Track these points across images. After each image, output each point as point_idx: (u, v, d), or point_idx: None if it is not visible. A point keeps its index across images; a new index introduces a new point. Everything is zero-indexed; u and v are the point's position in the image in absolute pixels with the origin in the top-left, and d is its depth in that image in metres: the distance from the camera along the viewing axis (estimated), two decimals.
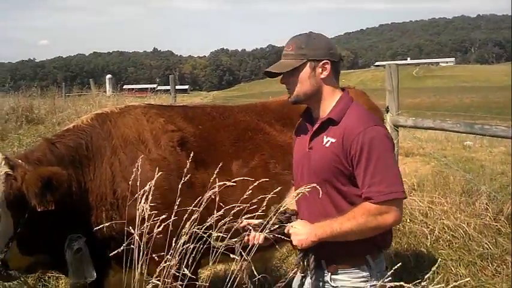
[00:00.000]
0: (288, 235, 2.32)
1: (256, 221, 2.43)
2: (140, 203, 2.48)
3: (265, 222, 2.36)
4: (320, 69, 2.36)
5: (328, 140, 2.35)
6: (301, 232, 2.28)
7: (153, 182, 2.51)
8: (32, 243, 2.78)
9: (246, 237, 2.38)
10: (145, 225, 2.45)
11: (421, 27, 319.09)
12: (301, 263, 2.36)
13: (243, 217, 2.46)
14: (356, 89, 4.21)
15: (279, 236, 2.36)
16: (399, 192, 2.23)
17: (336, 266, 2.38)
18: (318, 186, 2.29)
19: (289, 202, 2.48)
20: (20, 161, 2.76)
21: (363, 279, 2.35)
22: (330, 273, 2.39)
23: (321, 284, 2.42)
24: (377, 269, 2.37)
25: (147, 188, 2.49)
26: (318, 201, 2.37)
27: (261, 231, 2.36)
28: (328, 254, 2.36)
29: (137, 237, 2.44)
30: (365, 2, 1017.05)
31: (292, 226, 2.32)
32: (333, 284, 2.39)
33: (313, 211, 2.40)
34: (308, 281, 2.46)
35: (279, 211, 2.37)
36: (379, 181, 2.22)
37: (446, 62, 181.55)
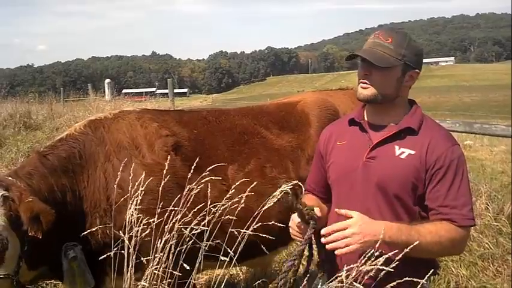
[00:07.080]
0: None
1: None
2: (130, 208, 2.47)
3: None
4: (408, 77, 2.18)
5: (404, 151, 2.12)
6: (366, 229, 1.92)
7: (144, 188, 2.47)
8: (37, 257, 2.78)
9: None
10: (136, 229, 2.43)
11: (420, 26, 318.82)
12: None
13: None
14: (355, 90, 4.13)
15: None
16: (474, 220, 2.10)
17: None
18: (381, 203, 2.10)
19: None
20: (10, 178, 2.71)
21: None
22: None
23: None
24: None
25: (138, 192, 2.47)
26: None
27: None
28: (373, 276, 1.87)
29: (127, 242, 2.42)
30: (364, 3, 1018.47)
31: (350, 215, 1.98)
32: None
33: None
34: None
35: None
36: (463, 204, 2.06)
37: (446, 61, 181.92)
